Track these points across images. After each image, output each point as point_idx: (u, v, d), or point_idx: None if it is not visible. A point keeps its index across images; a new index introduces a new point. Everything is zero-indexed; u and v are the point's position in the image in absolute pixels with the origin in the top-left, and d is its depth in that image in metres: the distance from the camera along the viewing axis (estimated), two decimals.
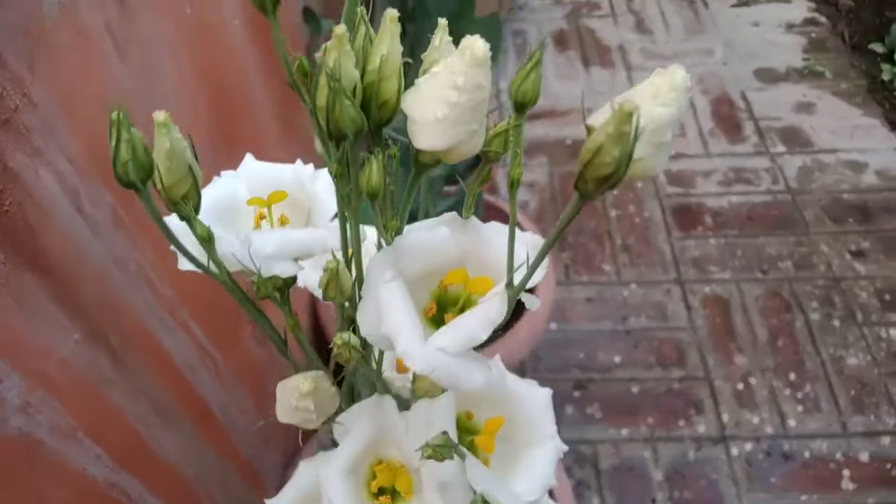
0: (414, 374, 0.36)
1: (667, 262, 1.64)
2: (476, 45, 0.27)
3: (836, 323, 1.51)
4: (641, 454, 1.36)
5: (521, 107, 0.30)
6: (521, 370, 1.48)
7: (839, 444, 1.34)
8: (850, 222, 1.68)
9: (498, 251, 0.33)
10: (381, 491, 0.37)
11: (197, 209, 0.33)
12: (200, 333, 0.75)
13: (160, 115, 0.30)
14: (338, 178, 0.32)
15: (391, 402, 0.37)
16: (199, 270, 0.35)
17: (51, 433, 0.48)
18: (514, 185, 0.31)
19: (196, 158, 0.33)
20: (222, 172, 0.44)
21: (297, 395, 0.34)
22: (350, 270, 0.35)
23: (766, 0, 2.29)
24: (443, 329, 0.31)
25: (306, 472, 0.40)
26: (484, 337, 0.31)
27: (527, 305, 0.34)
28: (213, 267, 0.34)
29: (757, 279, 1.60)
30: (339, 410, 0.38)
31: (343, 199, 0.33)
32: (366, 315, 0.32)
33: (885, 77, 1.94)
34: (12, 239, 0.46)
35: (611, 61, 2.13)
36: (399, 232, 0.34)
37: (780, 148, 1.84)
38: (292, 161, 0.46)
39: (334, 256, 0.32)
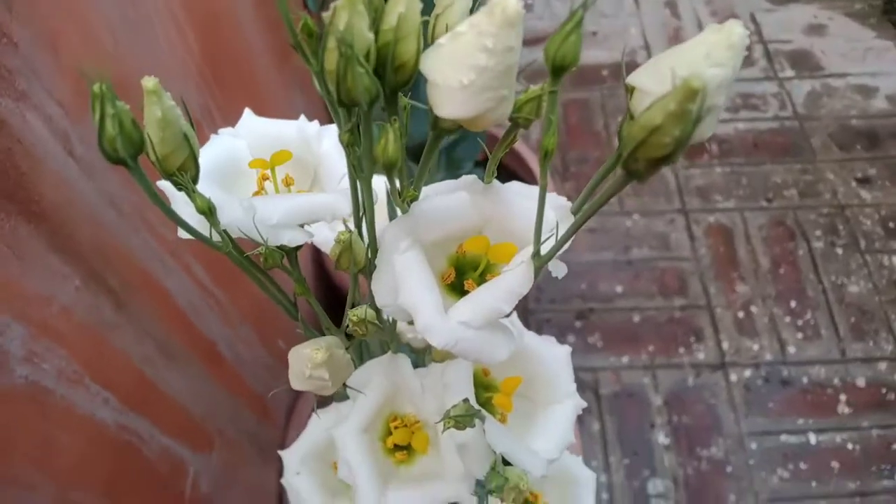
0: None
1: (671, 192, 1.62)
2: (507, 2, 0.24)
3: (839, 251, 1.51)
4: (641, 381, 1.38)
5: (558, 70, 0.27)
6: (523, 301, 1.48)
7: (837, 370, 1.36)
8: (857, 149, 1.65)
9: (521, 215, 0.31)
10: (397, 446, 0.37)
11: (195, 179, 0.31)
12: (203, 274, 0.74)
13: (149, 82, 0.27)
14: (349, 147, 0.29)
15: (406, 360, 0.36)
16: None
17: (57, 380, 0.48)
18: (547, 155, 0.28)
19: (192, 125, 0.31)
20: (220, 131, 0.42)
21: (311, 364, 0.33)
22: (362, 237, 0.33)
23: None
24: (464, 301, 0.30)
25: (319, 424, 0.40)
26: (508, 310, 0.29)
27: (553, 273, 0.32)
28: (216, 237, 0.33)
29: (762, 208, 1.58)
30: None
31: (355, 168, 0.31)
32: (381, 286, 0.31)
33: None
34: (3, 187, 0.44)
35: None
36: (415, 198, 0.32)
37: (789, 72, 1.79)
38: (294, 109, 0.44)
39: (346, 227, 0.30)
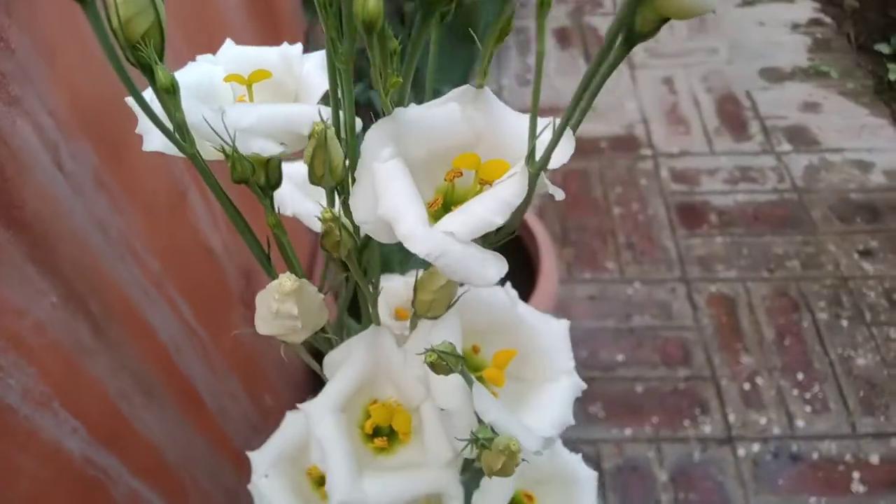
0: (415, 287, 0.32)
1: (671, 261, 1.61)
2: None
3: (845, 323, 1.47)
4: (645, 454, 1.32)
5: None
6: None
7: (848, 445, 1.30)
8: (857, 222, 1.65)
9: (514, 132, 0.29)
10: (377, 433, 0.33)
11: (160, 55, 0.28)
12: (188, 311, 0.71)
13: None
14: (325, 10, 0.27)
15: (388, 335, 0.33)
16: (167, 150, 0.30)
17: (23, 399, 0.44)
18: (543, 3, 0.25)
19: None
20: (198, 57, 0.39)
21: (279, 295, 0.30)
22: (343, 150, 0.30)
23: (770, 0, 2.27)
24: (452, 213, 0.27)
25: (294, 421, 0.37)
26: (499, 222, 0.27)
27: (551, 193, 0.29)
28: (179, 140, 0.29)
29: (764, 278, 1.56)
30: (334, 342, 0.34)
31: (331, 44, 0.27)
32: (360, 198, 0.28)
33: (892, 77, 1.92)
34: None
35: None
36: (402, 96, 0.29)
37: (786, 147, 1.82)
38: None
39: (323, 121, 0.27)
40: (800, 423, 1.33)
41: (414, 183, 0.27)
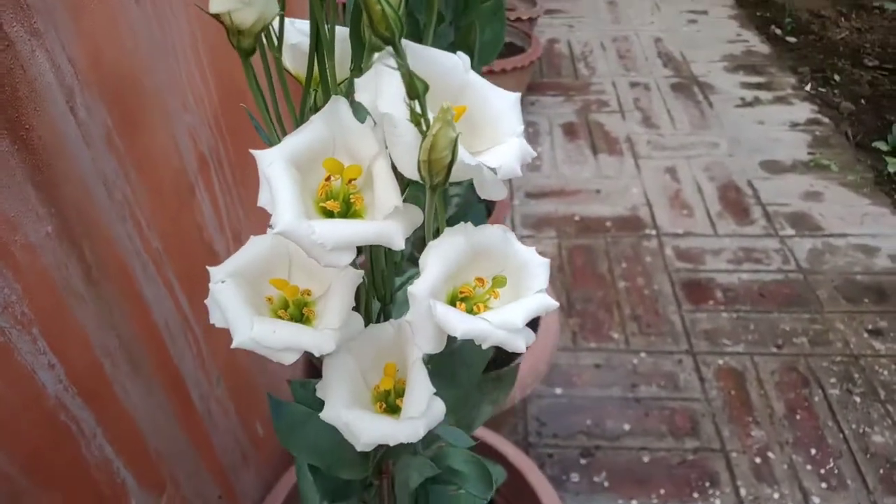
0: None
1: (677, 333, 1.58)
2: None
3: (857, 399, 1.43)
4: None
5: None
6: (524, 434, 1.39)
7: None
8: (865, 302, 1.63)
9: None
10: (329, 196, 0.33)
11: None
12: (185, 302, 0.71)
13: None
14: None
15: (345, 104, 0.33)
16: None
17: (3, 311, 0.44)
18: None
19: None
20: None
21: None
22: None
23: (769, 102, 2.37)
24: None
25: (256, 242, 0.36)
26: None
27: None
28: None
29: (772, 353, 1.53)
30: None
31: None
32: None
33: (891, 169, 1.97)
34: None
35: (619, 150, 2.18)
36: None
37: (790, 231, 1.83)
38: None
39: None
40: (815, 499, 1.26)
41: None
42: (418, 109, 0.30)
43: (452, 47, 0.80)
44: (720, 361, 1.52)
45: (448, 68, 0.35)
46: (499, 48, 0.79)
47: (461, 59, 0.35)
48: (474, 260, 0.36)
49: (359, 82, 0.32)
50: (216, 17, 0.32)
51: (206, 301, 0.35)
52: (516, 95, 0.37)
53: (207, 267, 0.35)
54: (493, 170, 0.33)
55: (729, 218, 1.89)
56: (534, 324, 1.22)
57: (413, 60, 0.30)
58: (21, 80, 0.46)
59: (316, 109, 0.34)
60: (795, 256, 1.76)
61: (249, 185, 0.90)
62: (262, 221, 0.95)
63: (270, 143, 0.35)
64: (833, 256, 1.75)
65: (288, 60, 0.39)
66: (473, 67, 0.57)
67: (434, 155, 0.30)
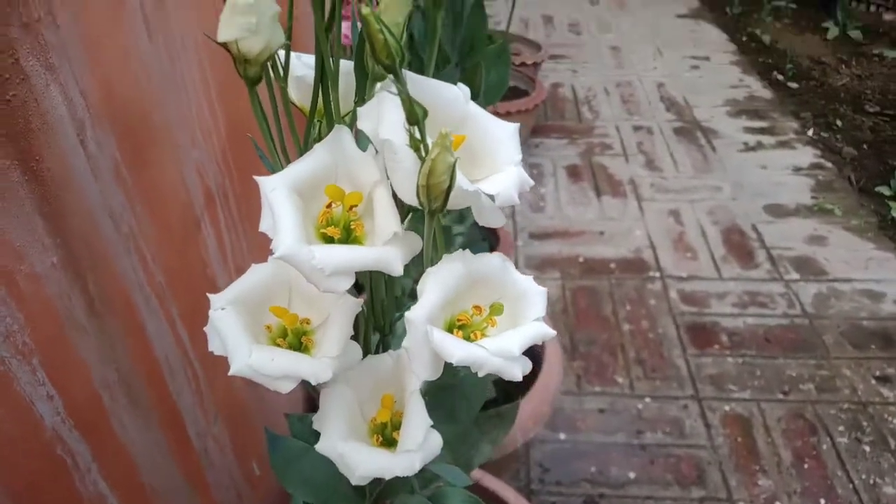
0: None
1: (683, 378, 1.57)
2: None
3: (867, 448, 1.40)
4: None
5: None
6: (526, 480, 1.37)
7: None
8: (872, 348, 1.62)
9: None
10: (330, 223, 0.33)
11: None
12: (186, 338, 0.70)
13: None
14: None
15: (348, 133, 0.33)
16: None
17: (4, 341, 0.44)
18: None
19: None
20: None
21: None
22: None
23: (771, 146, 2.39)
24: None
25: (257, 269, 0.36)
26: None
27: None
28: None
29: (778, 400, 1.51)
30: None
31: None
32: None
33: (895, 214, 1.97)
34: (9, 130, 0.45)
35: (622, 192, 2.20)
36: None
37: (794, 275, 1.83)
38: None
39: None
40: None
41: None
42: (417, 135, 0.31)
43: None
44: (726, 407, 1.50)
45: (449, 99, 0.36)
46: (503, 90, 0.80)
47: (461, 91, 0.36)
48: (472, 287, 0.36)
49: (361, 111, 0.33)
50: (224, 45, 0.33)
51: (205, 329, 0.35)
52: (515, 126, 0.38)
53: (208, 294, 0.35)
54: (491, 197, 0.33)
55: (733, 261, 1.89)
56: (536, 364, 1.21)
57: (414, 90, 0.30)
58: (34, 113, 0.47)
59: (319, 139, 0.34)
60: (801, 301, 1.75)
61: (254, 220, 0.90)
62: (265, 258, 0.95)
63: (274, 172, 0.35)
64: (838, 301, 1.75)
65: (293, 92, 0.40)
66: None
67: (432, 180, 0.30)
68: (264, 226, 0.31)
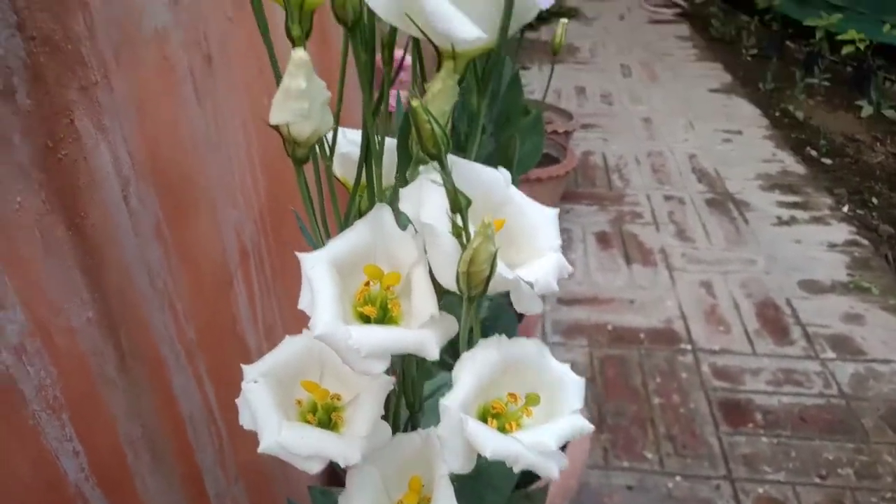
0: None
1: (715, 457, 1.51)
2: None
3: None
4: None
5: None
6: None
7: None
8: None
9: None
10: (369, 301, 0.32)
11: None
12: (212, 395, 0.70)
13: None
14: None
15: (388, 212, 0.33)
16: None
17: (36, 394, 0.44)
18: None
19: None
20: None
21: (293, 67, 0.31)
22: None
23: (805, 221, 2.37)
24: None
25: (290, 342, 0.35)
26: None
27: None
28: None
29: (815, 484, 1.44)
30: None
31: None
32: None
33: None
34: (58, 186, 0.46)
35: (653, 261, 2.18)
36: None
37: (830, 354, 1.78)
38: None
39: None
40: None
41: None
42: (460, 223, 0.31)
43: (492, 157, 0.82)
44: (760, 490, 1.43)
45: (490, 183, 0.36)
46: (537, 159, 0.81)
47: (502, 175, 0.36)
48: (507, 373, 0.35)
49: (403, 192, 0.33)
50: (275, 127, 0.34)
51: (236, 400, 0.35)
52: (554, 211, 0.38)
53: (242, 365, 0.35)
54: (530, 284, 0.33)
55: (767, 337, 1.84)
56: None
57: (456, 173, 0.31)
58: (83, 170, 0.49)
59: (360, 214, 0.35)
60: (837, 381, 1.70)
61: (286, 278, 0.91)
62: (294, 316, 0.95)
63: (315, 245, 0.36)
64: (877, 383, 1.68)
65: (337, 167, 0.41)
66: (512, 176, 0.58)
67: (473, 268, 0.30)
68: (303, 303, 0.31)
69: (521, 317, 1.38)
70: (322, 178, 0.37)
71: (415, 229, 0.34)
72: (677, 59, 4.10)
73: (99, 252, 0.50)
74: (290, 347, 0.37)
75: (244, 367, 0.36)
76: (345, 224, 0.37)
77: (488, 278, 0.31)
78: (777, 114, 3.28)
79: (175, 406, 0.63)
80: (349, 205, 0.37)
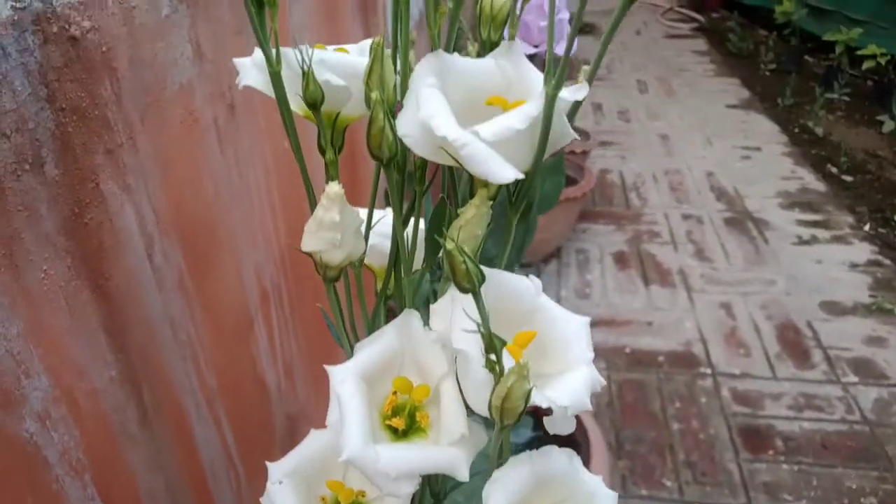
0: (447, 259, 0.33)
1: (735, 485, 1.49)
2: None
3: None
4: None
5: None
6: None
7: None
8: None
9: (535, 81, 0.34)
10: (396, 412, 0.32)
11: None
12: (232, 440, 0.71)
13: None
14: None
15: (417, 318, 0.33)
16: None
17: (59, 459, 0.44)
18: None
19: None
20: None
21: (326, 200, 0.33)
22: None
23: (826, 241, 2.34)
24: (485, 123, 0.31)
25: (315, 437, 0.35)
26: (520, 127, 0.30)
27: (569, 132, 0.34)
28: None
29: None
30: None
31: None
32: (406, 116, 0.32)
33: None
34: (84, 251, 0.47)
35: (671, 282, 2.16)
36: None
37: (853, 378, 1.75)
38: None
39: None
40: None
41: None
42: (494, 358, 0.31)
43: (510, 202, 0.82)
44: None
45: (519, 292, 0.36)
46: (557, 199, 0.81)
47: (533, 284, 0.36)
48: (538, 488, 0.35)
49: (434, 307, 0.33)
50: (307, 253, 0.35)
51: (261, 499, 0.35)
52: (585, 320, 0.38)
53: (267, 463, 0.35)
54: (564, 408, 0.33)
55: (788, 360, 1.82)
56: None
57: (487, 283, 0.31)
58: (108, 232, 0.49)
59: (387, 298, 0.35)
60: (860, 406, 1.67)
61: (305, 318, 0.91)
62: (313, 353, 0.96)
63: (341, 345, 0.36)
64: None
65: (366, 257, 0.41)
66: (531, 217, 0.58)
67: (507, 404, 0.30)
68: (331, 419, 0.32)
69: None
70: (351, 282, 0.38)
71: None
72: (694, 74, 4.08)
73: (123, 312, 0.51)
74: (316, 442, 0.37)
75: (269, 465, 0.36)
76: (373, 325, 0.38)
77: (522, 412, 0.31)
78: (796, 130, 3.25)
79: (196, 456, 0.64)
80: (376, 306, 0.37)
